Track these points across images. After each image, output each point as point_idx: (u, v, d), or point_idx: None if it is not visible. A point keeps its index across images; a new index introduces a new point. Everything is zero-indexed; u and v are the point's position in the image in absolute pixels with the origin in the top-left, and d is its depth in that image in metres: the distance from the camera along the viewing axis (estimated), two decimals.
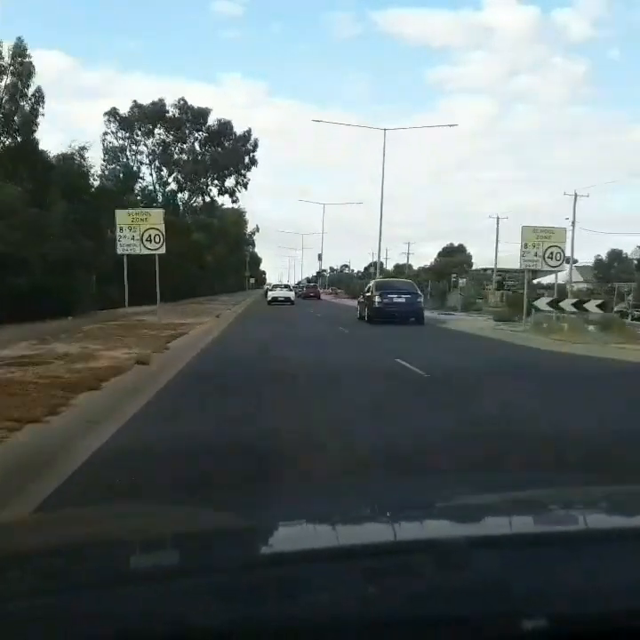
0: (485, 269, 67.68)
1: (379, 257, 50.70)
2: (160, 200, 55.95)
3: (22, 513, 3.33)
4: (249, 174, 61.88)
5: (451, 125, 62.78)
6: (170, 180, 60.77)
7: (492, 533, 1.23)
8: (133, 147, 58.58)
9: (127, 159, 57.96)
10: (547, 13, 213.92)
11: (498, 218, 60.15)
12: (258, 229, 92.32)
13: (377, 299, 24.16)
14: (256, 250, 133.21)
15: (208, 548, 1.16)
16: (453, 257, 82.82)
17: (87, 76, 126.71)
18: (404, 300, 24.01)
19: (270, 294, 46.15)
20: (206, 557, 1.08)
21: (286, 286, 51.70)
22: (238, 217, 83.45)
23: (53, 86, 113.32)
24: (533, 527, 1.29)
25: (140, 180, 54.70)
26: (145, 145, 59.54)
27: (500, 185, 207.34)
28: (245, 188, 61.91)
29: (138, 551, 1.17)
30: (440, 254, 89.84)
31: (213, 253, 64.03)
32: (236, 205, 61.82)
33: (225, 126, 61.00)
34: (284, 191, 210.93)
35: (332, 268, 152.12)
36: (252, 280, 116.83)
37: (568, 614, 0.82)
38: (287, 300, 43.83)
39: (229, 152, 60.34)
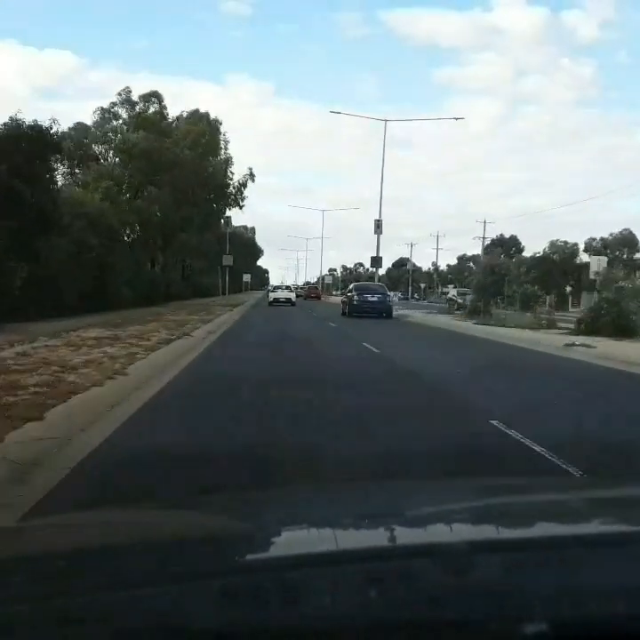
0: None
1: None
2: None
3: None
4: None
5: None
6: None
7: (491, 537, 1.21)
8: None
9: None
10: (556, 14, 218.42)
11: None
12: (253, 177, 47.00)
13: (355, 298, 30.13)
14: (256, 238, 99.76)
15: (207, 551, 1.15)
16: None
17: (93, 75, 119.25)
18: (376, 299, 29.71)
19: (271, 295, 47.13)
20: (205, 561, 1.07)
21: (287, 288, 52.63)
22: (203, 124, 43.00)
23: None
24: (534, 531, 1.27)
25: None
26: None
27: (506, 186, 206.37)
28: None
29: (136, 555, 1.14)
30: (487, 249, 78.29)
31: (133, 208, 35.26)
32: None
33: None
34: (291, 192, 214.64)
35: (345, 267, 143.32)
36: (247, 277, 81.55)
37: (569, 618, 0.82)
38: (288, 300, 44.50)
39: None
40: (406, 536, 1.25)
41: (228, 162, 46.07)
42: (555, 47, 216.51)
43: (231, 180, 46.07)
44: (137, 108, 41.18)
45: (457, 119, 46.36)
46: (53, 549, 1.22)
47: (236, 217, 52.35)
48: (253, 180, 47.09)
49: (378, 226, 44.61)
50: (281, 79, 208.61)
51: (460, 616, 0.81)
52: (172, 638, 0.79)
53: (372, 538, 1.25)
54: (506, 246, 79.87)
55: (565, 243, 67.81)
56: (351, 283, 45.02)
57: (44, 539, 1.33)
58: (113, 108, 40.93)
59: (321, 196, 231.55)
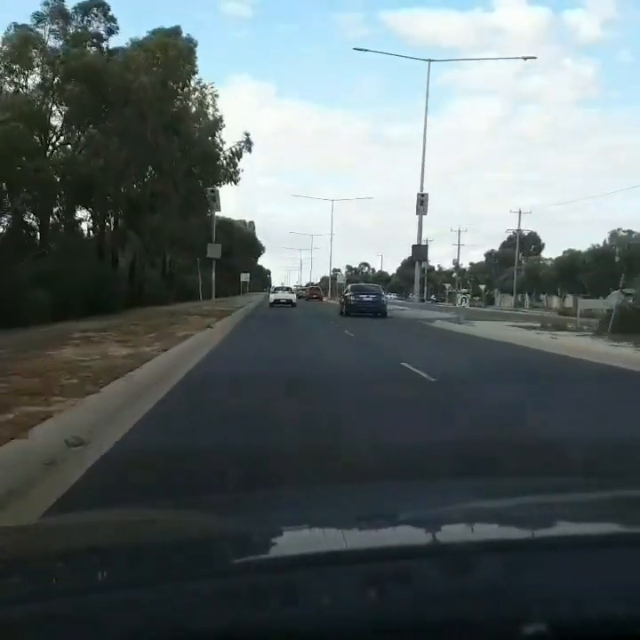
0: None
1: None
2: None
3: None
4: None
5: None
6: None
7: (491, 538, 1.22)
8: None
9: None
10: (558, 14, 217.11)
11: None
12: (249, 146, 34.80)
13: (352, 298, 31.88)
14: (257, 235, 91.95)
15: (206, 552, 1.16)
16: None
17: None
18: (371, 299, 31.26)
19: (272, 297, 47.32)
20: (205, 562, 1.07)
21: (288, 289, 53.30)
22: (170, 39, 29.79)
23: None
24: (534, 532, 1.27)
25: None
26: None
27: (506, 186, 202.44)
28: None
29: (138, 556, 1.15)
30: (505, 245, 77.56)
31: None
32: None
33: None
34: (291, 192, 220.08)
35: (349, 268, 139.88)
36: (245, 277, 69.18)
37: (569, 619, 0.82)
38: (288, 302, 45.05)
39: None
40: (406, 536, 1.25)
41: (216, 124, 33.91)
42: (556, 47, 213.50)
43: (222, 148, 34.19)
44: (73, 25, 28.37)
45: (526, 59, 33.58)
46: (53, 550, 1.22)
47: (235, 213, 43.39)
48: (250, 150, 35.06)
49: (422, 202, 33.44)
50: (282, 80, 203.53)
51: (460, 617, 0.81)
52: (171, 639, 0.79)
53: (372, 538, 1.25)
54: (525, 244, 76.28)
55: (630, 232, 56.65)
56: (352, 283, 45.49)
57: (44, 539, 1.34)
58: (39, 22, 27.14)
59: (321, 197, 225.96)
